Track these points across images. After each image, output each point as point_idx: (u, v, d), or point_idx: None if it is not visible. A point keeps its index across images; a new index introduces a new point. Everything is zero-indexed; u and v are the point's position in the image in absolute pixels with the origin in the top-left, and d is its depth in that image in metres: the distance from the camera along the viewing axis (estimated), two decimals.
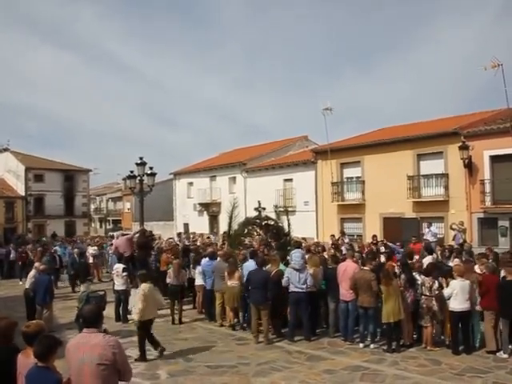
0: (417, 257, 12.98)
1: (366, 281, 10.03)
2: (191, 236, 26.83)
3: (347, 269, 10.59)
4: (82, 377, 4.28)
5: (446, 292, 9.56)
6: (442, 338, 10.33)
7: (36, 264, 13.68)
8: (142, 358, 9.52)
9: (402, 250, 16.18)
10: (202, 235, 27.63)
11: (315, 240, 22.63)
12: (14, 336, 5.23)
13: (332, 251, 14.84)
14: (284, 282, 10.88)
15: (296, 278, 10.73)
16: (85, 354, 4.31)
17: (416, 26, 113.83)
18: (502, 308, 9.33)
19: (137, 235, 16.56)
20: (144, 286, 10.01)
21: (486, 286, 9.55)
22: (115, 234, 33.69)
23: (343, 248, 17.44)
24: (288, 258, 12.40)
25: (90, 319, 4.56)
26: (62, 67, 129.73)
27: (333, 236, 22.19)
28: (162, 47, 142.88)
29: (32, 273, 12.97)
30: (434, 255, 13.62)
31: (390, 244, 17.71)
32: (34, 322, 5.44)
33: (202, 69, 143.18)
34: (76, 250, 21.13)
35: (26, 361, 4.66)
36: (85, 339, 4.42)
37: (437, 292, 9.73)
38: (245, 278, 11.75)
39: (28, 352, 4.71)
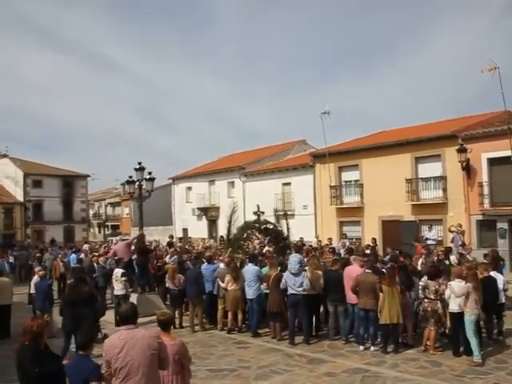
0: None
1: (370, 283, 10.05)
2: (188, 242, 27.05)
3: (354, 273, 10.59)
4: (134, 368, 4.57)
5: (446, 294, 9.57)
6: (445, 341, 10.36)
7: (36, 269, 13.68)
8: None
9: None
10: (203, 240, 27.78)
11: (314, 243, 22.69)
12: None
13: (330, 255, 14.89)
14: (282, 284, 11.04)
15: (292, 281, 10.84)
16: (134, 347, 4.61)
17: (414, 29, 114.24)
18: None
19: (135, 241, 16.56)
20: None
21: None
22: (114, 239, 33.73)
23: (341, 251, 17.58)
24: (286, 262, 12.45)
25: (129, 317, 4.89)
26: (59, 71, 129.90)
27: (330, 239, 22.48)
28: (159, 50, 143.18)
29: (34, 278, 13.03)
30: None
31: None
32: (166, 311, 6.34)
33: (199, 72, 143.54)
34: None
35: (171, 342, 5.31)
36: (129, 334, 4.70)
37: (444, 296, 9.72)
38: (245, 282, 11.85)
39: (162, 336, 5.17)
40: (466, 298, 9.22)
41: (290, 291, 10.90)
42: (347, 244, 21.06)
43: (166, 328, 5.50)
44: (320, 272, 11.35)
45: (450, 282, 9.61)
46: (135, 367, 4.56)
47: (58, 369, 5.46)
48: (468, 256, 13.87)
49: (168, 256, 17.24)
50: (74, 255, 20.30)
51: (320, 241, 23.17)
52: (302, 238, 22.11)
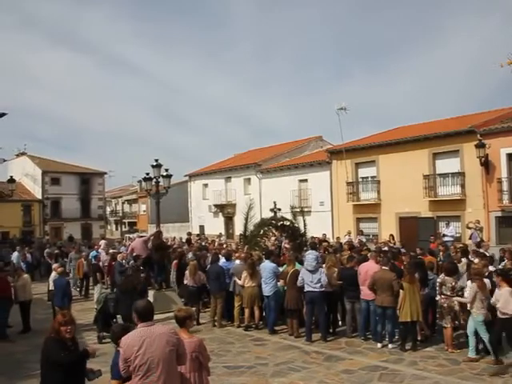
0: None
1: (387, 280, 9.97)
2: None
3: (369, 269, 10.55)
4: (153, 365, 4.59)
5: (466, 294, 9.30)
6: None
7: (54, 266, 13.82)
8: None
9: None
10: (219, 236, 27.86)
11: (331, 240, 22.69)
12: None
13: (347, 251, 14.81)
14: (299, 282, 10.96)
15: (309, 278, 10.77)
16: (152, 344, 4.63)
17: (430, 24, 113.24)
18: None
19: (152, 237, 16.61)
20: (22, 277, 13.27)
21: None
22: (131, 236, 33.94)
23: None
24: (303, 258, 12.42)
25: (146, 314, 4.88)
26: (74, 70, 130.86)
27: (349, 232, 22.61)
28: (173, 49, 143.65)
29: (53, 275, 13.17)
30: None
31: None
32: (184, 307, 6.44)
33: (214, 70, 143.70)
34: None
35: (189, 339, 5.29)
36: (147, 331, 4.71)
37: (460, 293, 9.59)
38: (262, 279, 11.84)
39: (180, 333, 5.18)
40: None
41: (306, 288, 10.84)
42: (364, 240, 21.00)
43: (182, 324, 5.45)
44: (335, 269, 11.33)
45: (469, 281, 9.44)
46: (155, 364, 4.57)
47: (74, 359, 5.51)
48: (486, 253, 13.72)
49: None
50: (94, 252, 20.53)
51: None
52: (324, 234, 22.32)
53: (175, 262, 15.96)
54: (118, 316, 11.80)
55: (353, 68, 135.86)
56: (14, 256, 21.59)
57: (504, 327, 8.43)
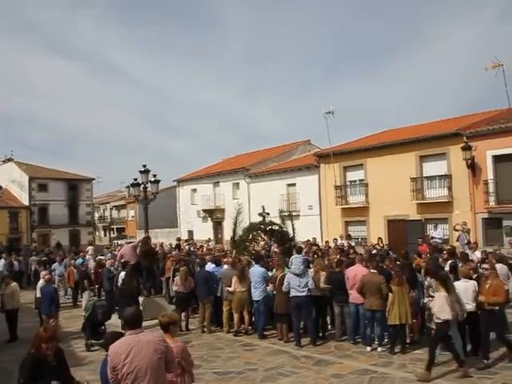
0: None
1: (375, 284, 9.99)
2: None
3: (358, 273, 10.54)
4: (141, 373, 4.55)
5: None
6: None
7: (42, 273, 13.73)
8: None
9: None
10: (207, 241, 27.79)
11: (321, 244, 22.70)
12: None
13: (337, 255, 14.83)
14: (284, 287, 10.89)
15: (296, 282, 10.73)
16: (140, 352, 4.58)
17: (418, 27, 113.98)
18: None
19: (140, 244, 16.50)
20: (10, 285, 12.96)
21: None
22: (120, 242, 33.81)
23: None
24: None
25: (135, 321, 4.84)
26: (63, 76, 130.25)
27: (336, 239, 22.52)
28: (162, 54, 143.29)
29: (40, 282, 13.08)
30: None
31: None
32: (168, 313, 6.26)
33: (203, 74, 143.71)
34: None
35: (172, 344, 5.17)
36: (135, 339, 4.66)
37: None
38: (251, 284, 11.80)
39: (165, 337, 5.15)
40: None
41: (292, 293, 10.78)
42: (353, 244, 21.06)
43: (166, 330, 5.46)
44: (323, 273, 11.31)
45: (456, 282, 9.50)
46: (142, 372, 4.53)
47: None
48: (473, 255, 13.81)
49: None
50: (79, 259, 20.36)
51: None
52: (314, 238, 22.31)
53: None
54: (107, 323, 11.80)
55: (344, 71, 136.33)
56: (0, 264, 21.41)
57: (439, 331, 8.51)
